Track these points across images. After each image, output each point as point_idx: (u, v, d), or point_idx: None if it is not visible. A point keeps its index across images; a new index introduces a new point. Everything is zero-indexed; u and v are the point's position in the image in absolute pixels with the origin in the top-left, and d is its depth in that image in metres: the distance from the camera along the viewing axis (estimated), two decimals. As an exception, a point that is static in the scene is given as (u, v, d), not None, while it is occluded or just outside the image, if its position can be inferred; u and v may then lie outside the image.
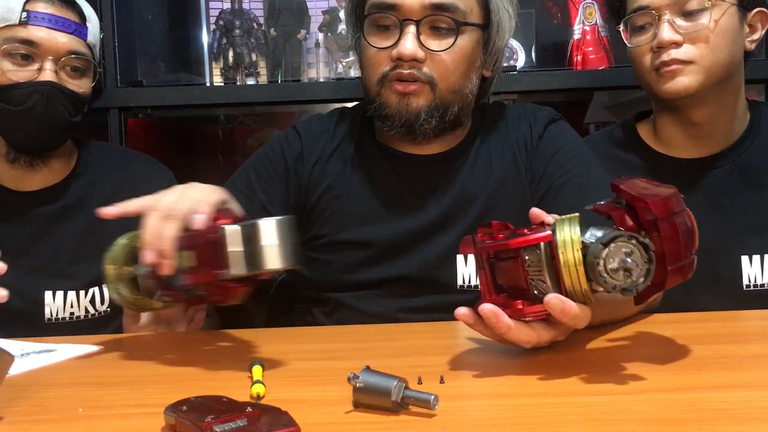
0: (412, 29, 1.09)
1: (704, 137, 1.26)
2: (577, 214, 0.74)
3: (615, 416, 0.63)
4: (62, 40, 1.22)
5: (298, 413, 0.61)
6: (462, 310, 0.77)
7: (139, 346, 1.03)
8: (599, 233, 0.71)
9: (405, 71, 1.10)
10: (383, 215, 1.18)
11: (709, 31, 1.17)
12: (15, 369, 0.85)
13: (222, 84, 1.84)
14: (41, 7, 1.21)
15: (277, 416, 0.61)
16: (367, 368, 0.66)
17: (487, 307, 0.74)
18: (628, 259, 0.69)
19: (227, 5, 1.88)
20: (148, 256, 0.84)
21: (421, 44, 1.10)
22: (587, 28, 1.83)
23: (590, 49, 1.82)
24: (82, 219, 1.30)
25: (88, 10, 1.29)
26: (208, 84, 1.87)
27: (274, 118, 2.21)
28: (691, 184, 1.25)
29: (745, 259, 1.22)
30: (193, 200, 0.86)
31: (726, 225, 1.24)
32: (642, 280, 0.70)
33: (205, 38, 1.90)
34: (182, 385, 0.79)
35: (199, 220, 0.82)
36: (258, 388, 0.71)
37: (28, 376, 0.84)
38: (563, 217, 0.74)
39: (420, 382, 0.72)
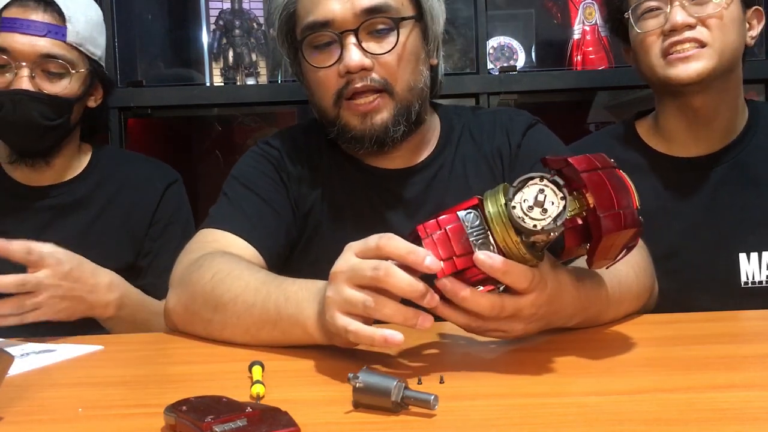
0: (352, 40, 1.06)
1: (704, 128, 1.26)
2: (504, 183, 0.76)
3: (615, 416, 0.63)
4: (34, 43, 1.22)
5: (298, 413, 0.61)
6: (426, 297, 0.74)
7: (139, 346, 1.03)
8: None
9: (358, 84, 1.06)
10: (362, 233, 1.16)
11: (722, 11, 1.18)
12: (15, 369, 0.85)
13: (222, 84, 1.84)
14: (13, 13, 1.22)
15: (277, 416, 0.61)
16: (367, 368, 0.66)
17: (443, 281, 0.73)
18: (540, 196, 0.72)
19: (227, 5, 1.88)
20: None
21: (364, 52, 1.06)
22: (587, 28, 1.83)
23: (590, 49, 1.82)
24: (86, 215, 1.33)
25: (72, 9, 1.27)
26: (208, 84, 1.87)
27: (274, 118, 2.21)
28: (690, 183, 1.26)
29: (743, 256, 1.23)
30: None
31: (724, 223, 1.25)
32: (558, 215, 0.71)
33: (205, 38, 1.90)
34: (182, 385, 0.79)
35: None
36: (258, 388, 0.71)
37: (28, 376, 0.84)
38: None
39: (420, 382, 0.72)
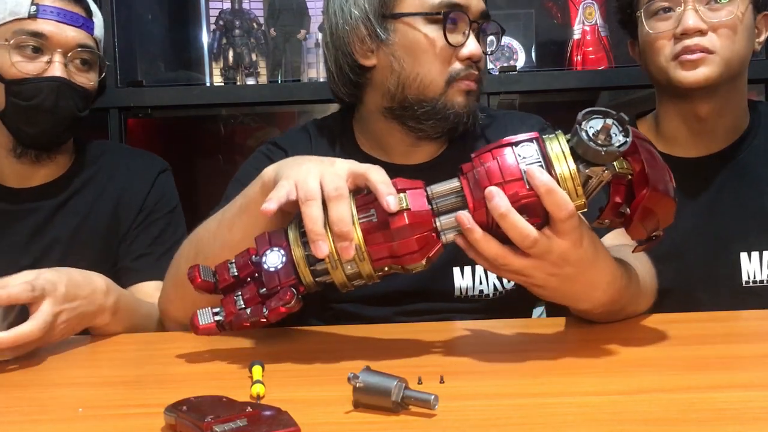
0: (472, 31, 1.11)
1: (706, 133, 1.27)
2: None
3: (615, 416, 0.63)
4: (71, 33, 1.23)
5: (298, 413, 0.61)
6: (464, 214, 0.77)
7: (140, 346, 1.03)
8: None
9: (475, 72, 1.13)
10: None
11: (736, 20, 1.17)
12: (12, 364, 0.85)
13: (222, 84, 1.84)
14: (50, 1, 1.23)
15: (277, 416, 0.61)
16: (367, 368, 0.66)
17: (492, 190, 0.74)
18: (608, 120, 0.74)
19: (227, 5, 1.88)
20: (324, 248, 0.77)
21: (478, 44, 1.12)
22: (587, 28, 1.82)
23: (590, 49, 1.82)
24: (75, 214, 1.31)
25: (94, 6, 1.31)
26: (208, 84, 1.87)
27: (274, 118, 2.21)
28: (692, 183, 1.26)
29: (744, 255, 1.23)
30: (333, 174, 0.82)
31: (725, 222, 1.25)
32: (622, 144, 0.74)
33: (205, 38, 1.90)
34: (182, 385, 0.79)
35: (395, 202, 0.78)
36: (258, 388, 0.71)
37: (29, 376, 0.84)
38: None
39: (420, 382, 0.73)
